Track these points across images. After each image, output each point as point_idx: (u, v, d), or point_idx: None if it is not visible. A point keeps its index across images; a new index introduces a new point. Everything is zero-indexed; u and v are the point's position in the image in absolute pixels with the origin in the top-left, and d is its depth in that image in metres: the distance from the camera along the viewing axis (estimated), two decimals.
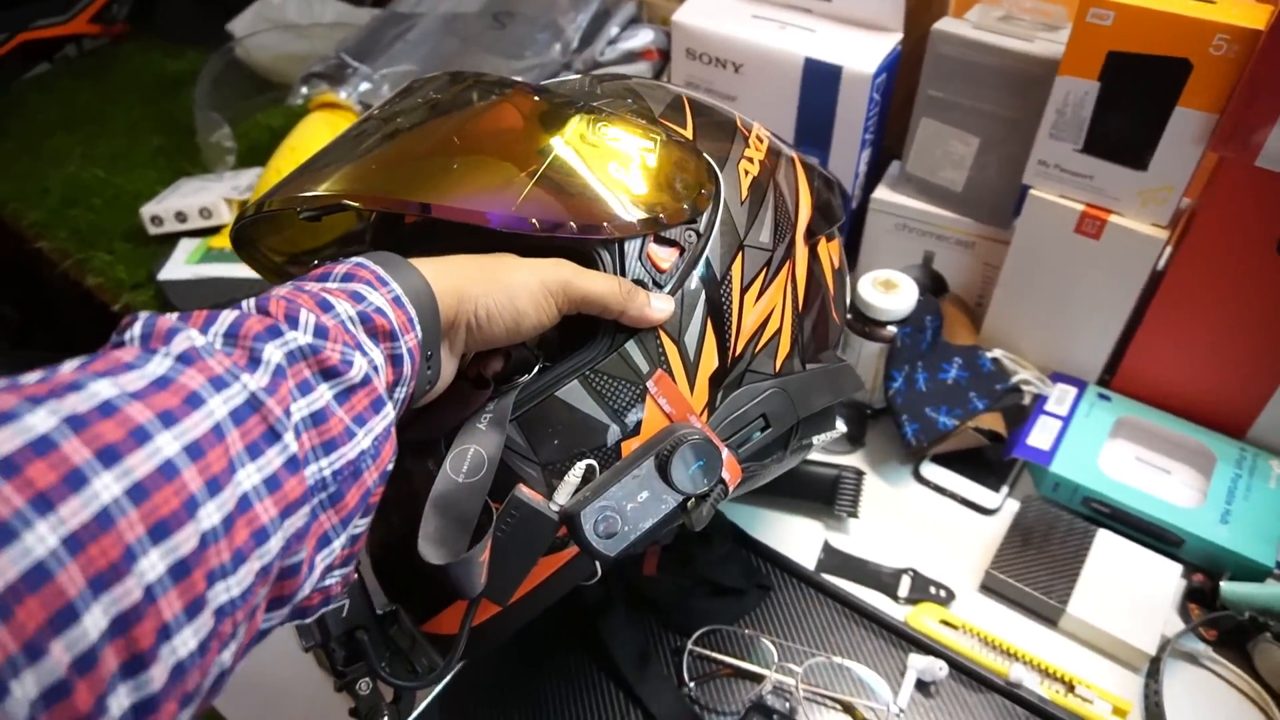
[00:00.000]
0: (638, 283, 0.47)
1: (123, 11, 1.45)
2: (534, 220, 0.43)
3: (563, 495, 0.45)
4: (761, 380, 0.53)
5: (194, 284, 0.92)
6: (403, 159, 0.47)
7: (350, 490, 0.35)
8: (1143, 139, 0.65)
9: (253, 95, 1.19)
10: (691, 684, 0.61)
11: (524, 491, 0.43)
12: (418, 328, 0.39)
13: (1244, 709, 0.61)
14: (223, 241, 0.96)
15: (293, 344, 0.34)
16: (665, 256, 0.48)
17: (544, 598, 0.49)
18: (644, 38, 0.92)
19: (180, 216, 0.98)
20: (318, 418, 0.33)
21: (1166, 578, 0.66)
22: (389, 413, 0.37)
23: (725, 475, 0.47)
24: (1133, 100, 0.64)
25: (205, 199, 0.98)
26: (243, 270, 0.79)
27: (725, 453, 0.48)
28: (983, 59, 0.72)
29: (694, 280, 0.49)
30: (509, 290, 0.43)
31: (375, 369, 0.37)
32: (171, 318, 0.33)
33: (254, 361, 0.32)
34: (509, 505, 0.43)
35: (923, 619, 0.65)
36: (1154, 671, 0.61)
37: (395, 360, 0.38)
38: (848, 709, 0.60)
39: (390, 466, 0.38)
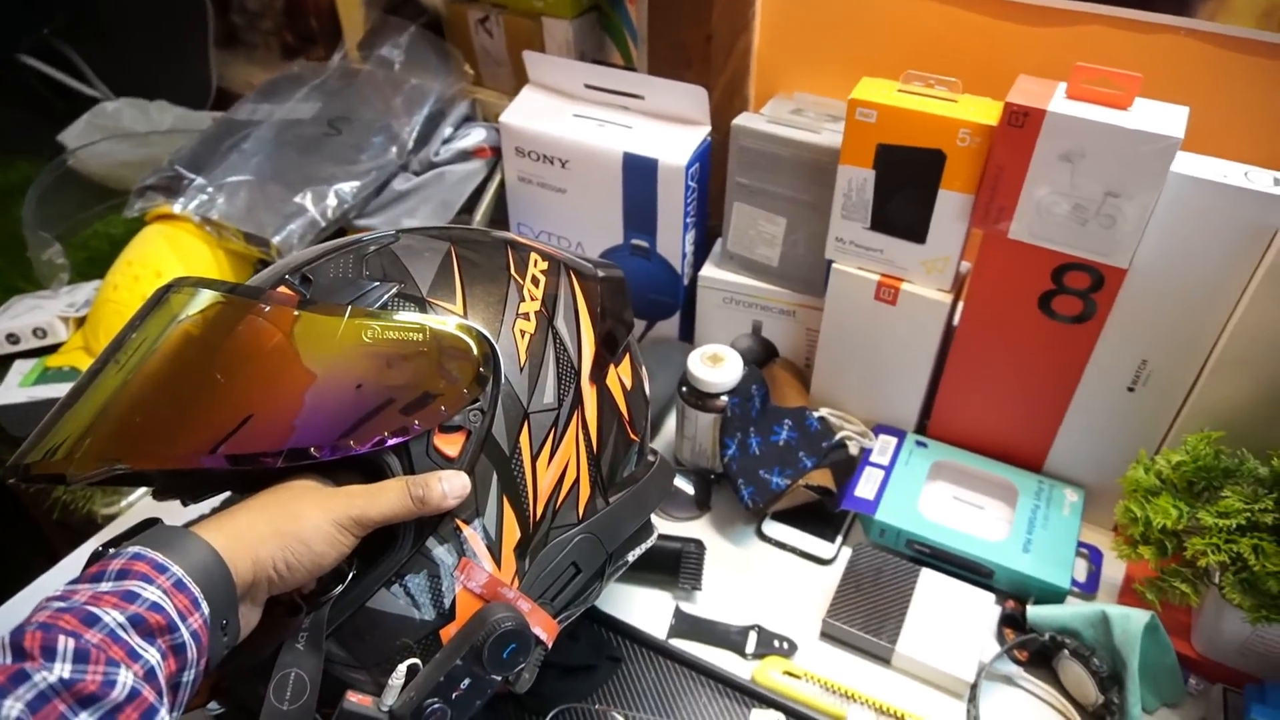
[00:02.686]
0: None
1: None
2: (313, 450, 0.45)
3: (390, 696, 0.48)
4: (567, 531, 0.56)
5: (30, 407, 0.90)
6: (168, 405, 0.47)
7: None
8: (918, 217, 0.74)
9: (90, 204, 1.17)
10: None
11: (352, 701, 0.47)
12: (203, 607, 0.41)
13: None
14: (60, 360, 0.94)
15: (42, 684, 0.34)
16: (452, 443, 0.50)
17: None
18: (476, 136, 0.96)
19: (12, 339, 0.95)
20: None
21: (982, 607, 0.72)
22: (163, 718, 0.38)
23: (541, 635, 0.51)
24: (904, 184, 0.73)
25: (39, 318, 0.96)
26: None
27: (538, 618, 0.51)
28: (778, 150, 0.80)
29: (483, 461, 0.51)
30: (303, 538, 0.45)
31: (151, 671, 0.38)
32: None
33: None
34: (340, 716, 0.46)
35: (768, 672, 0.69)
36: (973, 697, 0.67)
37: (177, 649, 0.39)
38: None
39: None
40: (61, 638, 0.36)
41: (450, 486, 0.48)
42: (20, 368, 0.94)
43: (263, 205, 0.90)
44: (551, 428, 0.54)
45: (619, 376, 0.61)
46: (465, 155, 0.96)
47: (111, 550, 0.42)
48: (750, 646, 0.71)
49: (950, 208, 0.72)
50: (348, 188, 0.92)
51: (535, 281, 0.56)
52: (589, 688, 0.67)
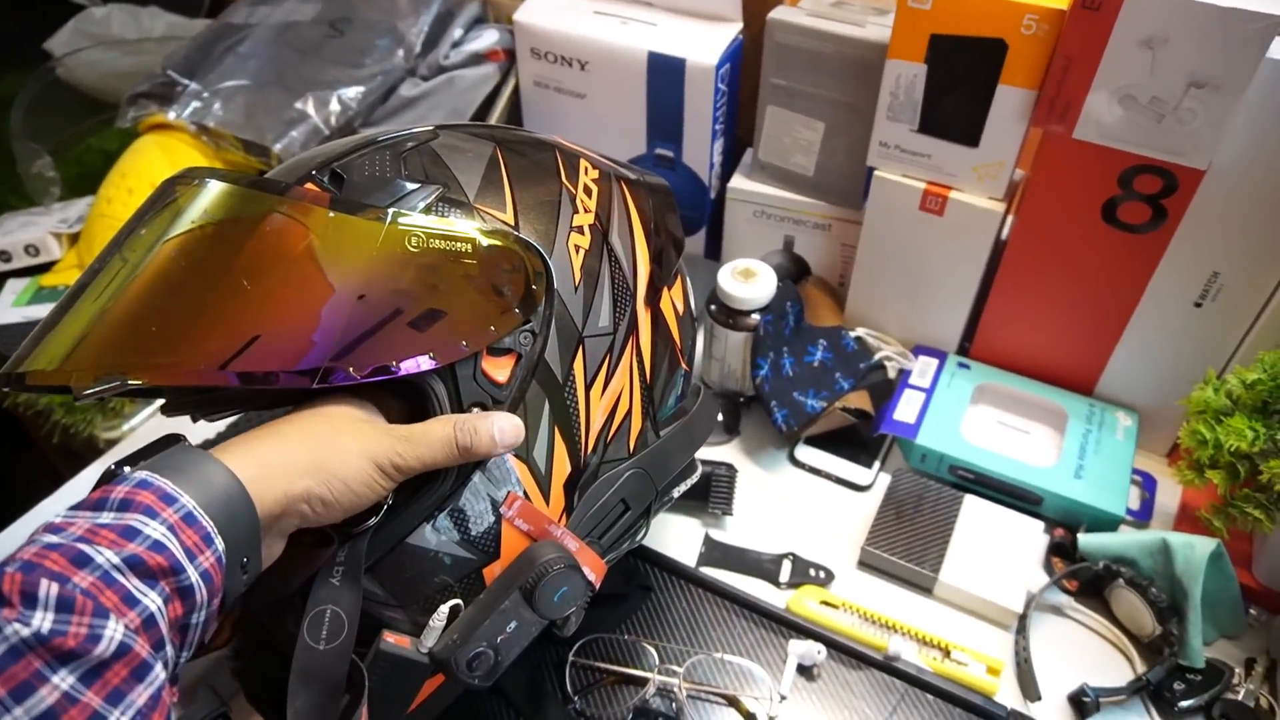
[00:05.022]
0: (477, 405, 0.44)
1: None
2: (352, 369, 0.40)
3: (430, 638, 0.44)
4: (617, 465, 0.52)
5: (24, 328, 0.85)
6: (189, 312, 0.41)
7: None
8: (972, 117, 0.68)
9: (82, 117, 1.11)
10: (576, 697, 0.60)
11: (389, 641, 0.43)
12: (217, 543, 0.36)
13: (1105, 652, 0.64)
14: (55, 279, 0.90)
15: (14, 638, 0.30)
16: (501, 367, 0.45)
17: (433, 708, 0.48)
18: (489, 39, 0.90)
19: (4, 256, 0.91)
20: None
21: (1030, 536, 0.69)
22: (157, 676, 0.34)
23: (590, 576, 0.48)
24: (958, 80, 0.66)
25: (31, 235, 0.91)
26: None
27: (586, 558, 0.47)
28: (819, 46, 0.73)
29: (535, 389, 0.46)
30: (341, 476, 0.41)
31: (150, 618, 0.34)
32: None
33: None
34: (377, 658, 0.43)
35: (804, 602, 0.66)
36: (1022, 628, 0.64)
37: (183, 591, 0.35)
38: (732, 702, 0.60)
39: None
40: (44, 582, 0.32)
41: (502, 432, 0.44)
42: (13, 287, 0.90)
43: (262, 111, 0.84)
44: (606, 354, 0.49)
45: (671, 300, 0.56)
46: (477, 59, 0.89)
47: (125, 470, 0.37)
48: (784, 575, 0.68)
49: (1009, 105, 0.66)
50: (352, 93, 0.86)
51: (588, 191, 0.51)
52: (619, 618, 0.63)
